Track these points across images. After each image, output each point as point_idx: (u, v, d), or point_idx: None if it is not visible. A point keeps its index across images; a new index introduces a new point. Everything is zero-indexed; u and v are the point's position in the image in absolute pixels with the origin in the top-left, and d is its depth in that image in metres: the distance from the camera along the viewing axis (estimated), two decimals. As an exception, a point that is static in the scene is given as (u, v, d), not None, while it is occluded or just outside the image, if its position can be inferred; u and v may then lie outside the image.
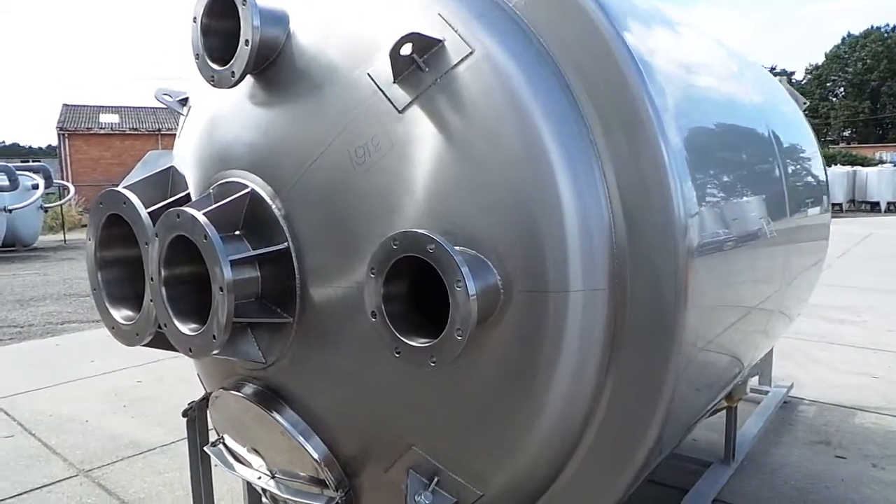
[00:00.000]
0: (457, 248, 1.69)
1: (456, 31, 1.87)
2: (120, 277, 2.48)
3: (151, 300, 2.16)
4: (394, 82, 1.89)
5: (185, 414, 2.75)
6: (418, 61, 1.85)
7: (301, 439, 2.17)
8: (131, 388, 5.82)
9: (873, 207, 30.32)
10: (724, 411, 3.75)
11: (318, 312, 2.06)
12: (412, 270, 1.77)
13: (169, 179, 2.58)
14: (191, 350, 2.03)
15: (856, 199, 30.88)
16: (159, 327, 2.19)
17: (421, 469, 2.01)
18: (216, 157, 2.33)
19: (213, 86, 2.14)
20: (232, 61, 2.06)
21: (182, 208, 2.01)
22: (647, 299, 1.80)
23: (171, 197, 2.47)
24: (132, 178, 2.63)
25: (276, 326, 2.13)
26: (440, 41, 1.85)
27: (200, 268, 1.97)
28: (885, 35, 70.07)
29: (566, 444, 1.95)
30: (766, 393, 5.03)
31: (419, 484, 1.99)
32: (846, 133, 70.63)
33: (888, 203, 29.86)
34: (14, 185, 17.73)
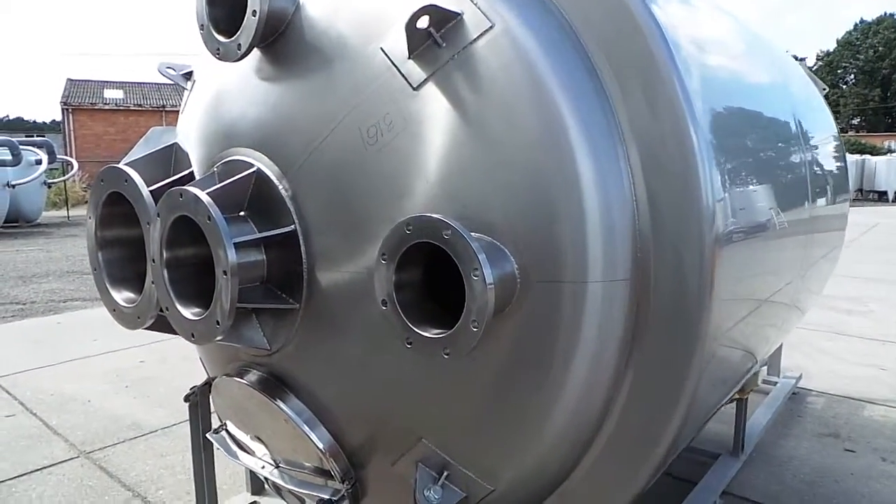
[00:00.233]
0: (473, 234, 1.60)
1: (475, 4, 1.77)
2: (121, 258, 2.42)
3: (153, 282, 2.08)
4: (409, 58, 1.79)
5: (187, 399, 2.69)
6: (435, 36, 1.75)
7: (306, 428, 2.11)
8: (134, 369, 5.78)
9: (881, 197, 30.14)
10: (734, 402, 3.68)
11: (325, 298, 1.98)
12: (424, 256, 1.70)
13: (172, 157, 2.49)
14: (193, 335, 1.96)
15: (863, 188, 30.65)
16: (161, 310, 2.12)
17: (430, 462, 1.94)
18: (221, 135, 2.23)
19: (219, 59, 2.05)
20: (238, 33, 1.96)
21: (185, 187, 1.92)
22: (670, 290, 1.72)
23: (173, 175, 2.39)
24: (134, 154, 2.54)
25: (281, 312, 2.06)
26: (459, 14, 1.75)
27: (204, 250, 1.89)
28: (898, 22, 69.14)
29: (582, 439, 1.88)
30: (775, 384, 4.96)
31: (428, 478, 1.93)
32: (855, 121, 69.92)
33: (896, 193, 29.67)
34: (17, 160, 17.66)
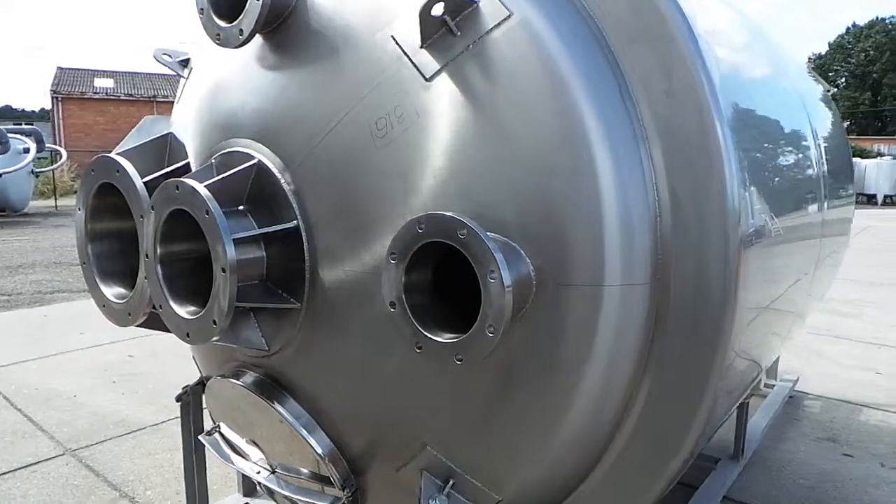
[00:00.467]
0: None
1: (492, -8, 1.68)
2: (112, 251, 2.33)
3: (146, 278, 1.99)
4: (421, 47, 1.70)
5: (179, 399, 2.59)
6: (450, 24, 1.66)
7: (304, 433, 2.02)
8: (122, 363, 5.65)
9: (870, 200, 30.33)
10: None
11: (328, 298, 1.89)
12: (434, 256, 1.61)
13: (166, 147, 2.39)
14: (188, 335, 1.87)
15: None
16: (154, 308, 2.03)
17: (435, 470, 1.86)
18: (219, 125, 2.14)
19: (219, 45, 1.95)
20: (240, 17, 1.87)
21: (182, 179, 1.83)
22: (692, 295, 1.65)
23: (168, 166, 2.29)
24: (126, 144, 2.44)
25: (281, 312, 1.97)
26: (475, 2, 1.67)
27: (200, 245, 1.80)
28: (890, 26, 69.58)
29: (595, 447, 1.81)
30: (772, 387, 4.93)
31: (433, 487, 1.84)
32: (845, 124, 70.30)
33: (885, 196, 29.87)
34: (4, 148, 17.40)
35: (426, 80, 1.71)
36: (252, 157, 1.97)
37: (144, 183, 2.07)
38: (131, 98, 40.00)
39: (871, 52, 68.57)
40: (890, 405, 4.99)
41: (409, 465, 1.91)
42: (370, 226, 1.78)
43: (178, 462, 2.85)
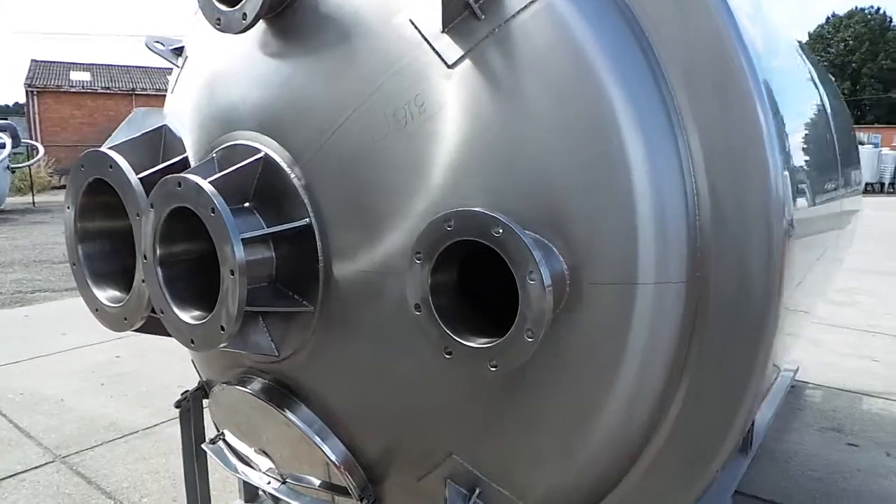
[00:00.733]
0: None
1: (518, -28, 1.57)
2: (104, 252, 2.21)
3: (144, 281, 1.86)
4: (443, 32, 1.59)
5: (177, 405, 2.47)
6: (473, 6, 1.55)
7: (318, 440, 1.91)
8: (109, 364, 5.49)
9: (851, 187, 30.70)
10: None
11: (343, 299, 1.77)
12: (459, 255, 1.51)
13: (161, 141, 2.25)
14: (193, 342, 1.75)
15: (835, 178, 31.20)
16: (153, 311, 1.90)
17: (460, 479, 1.77)
18: (220, 117, 2.01)
19: (220, 30, 1.82)
20: (243, 1, 1.74)
21: (183, 175, 1.71)
22: (733, 293, 1.55)
23: (164, 161, 2.16)
24: (117, 138, 2.30)
25: (291, 315, 1.85)
26: (500, -18, 1.55)
27: (203, 245, 1.68)
28: (868, 16, 70.33)
29: (627, 453, 1.72)
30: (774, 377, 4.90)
31: (458, 496, 1.75)
32: (825, 113, 71.07)
33: (867, 184, 30.28)
34: (-21, 144, 16.94)
35: (448, 67, 1.59)
36: (258, 151, 1.84)
37: (140, 179, 1.94)
38: (108, 91, 39.14)
39: (851, 42, 69.22)
40: (890, 393, 5.00)
41: (432, 474, 1.81)
42: (389, 223, 1.67)
43: (174, 467, 2.74)
